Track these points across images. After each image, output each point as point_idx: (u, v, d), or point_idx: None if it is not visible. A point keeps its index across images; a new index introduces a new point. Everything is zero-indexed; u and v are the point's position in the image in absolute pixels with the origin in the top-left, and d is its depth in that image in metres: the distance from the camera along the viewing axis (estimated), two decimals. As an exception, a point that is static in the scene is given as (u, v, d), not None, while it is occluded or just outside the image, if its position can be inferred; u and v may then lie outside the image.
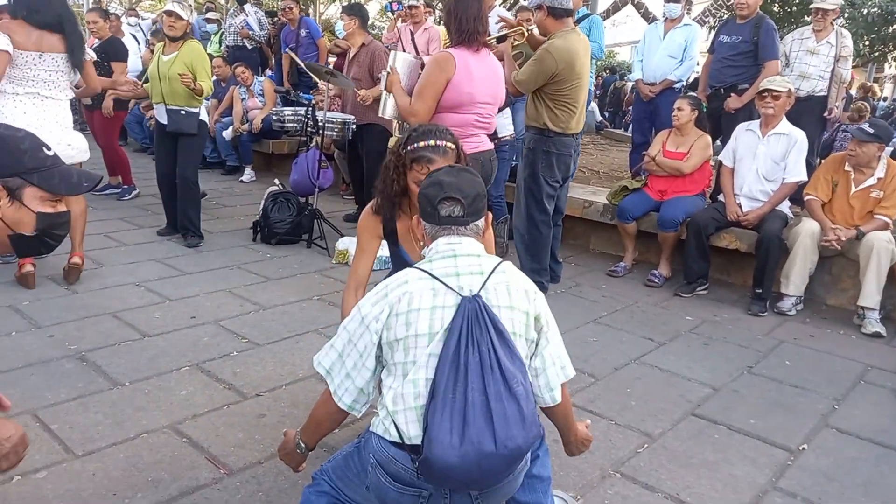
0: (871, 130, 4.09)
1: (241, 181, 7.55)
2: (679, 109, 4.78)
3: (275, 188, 5.49)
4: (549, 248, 4.34)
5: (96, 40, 5.92)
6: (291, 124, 5.83)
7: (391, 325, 1.62)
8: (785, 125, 4.46)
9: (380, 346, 1.66)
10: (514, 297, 1.68)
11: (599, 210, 5.30)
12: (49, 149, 1.62)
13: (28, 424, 2.61)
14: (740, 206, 4.54)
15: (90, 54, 4.06)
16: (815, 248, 4.28)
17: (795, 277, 4.29)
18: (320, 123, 5.38)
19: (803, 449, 2.77)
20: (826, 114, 5.98)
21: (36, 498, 2.20)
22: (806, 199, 4.39)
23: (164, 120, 4.98)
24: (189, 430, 2.66)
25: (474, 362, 1.55)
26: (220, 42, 9.20)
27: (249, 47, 8.69)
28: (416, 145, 2.18)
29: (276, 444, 2.56)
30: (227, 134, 7.61)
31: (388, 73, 3.60)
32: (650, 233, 4.98)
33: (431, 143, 2.18)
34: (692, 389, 3.24)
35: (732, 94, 5.15)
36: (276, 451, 1.90)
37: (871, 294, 4.04)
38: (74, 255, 4.12)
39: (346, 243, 4.93)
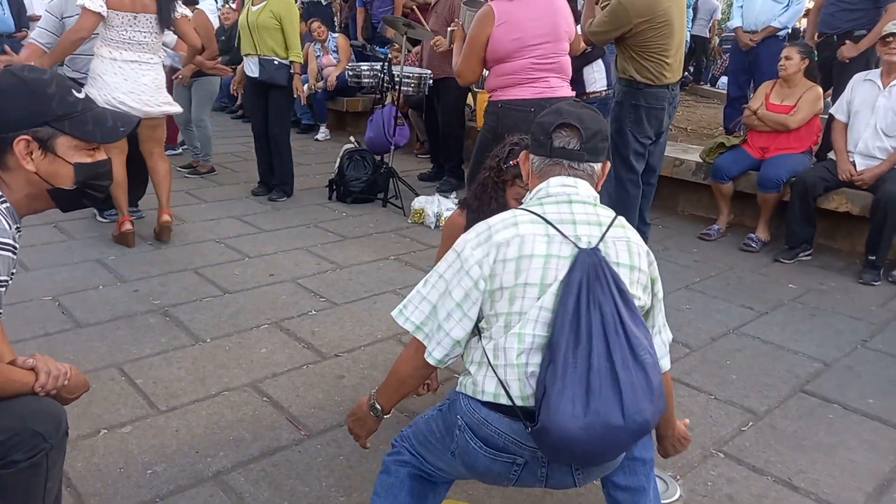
0: None
1: (316, 139, 7.52)
2: (787, 58, 4.36)
3: (350, 146, 5.40)
4: (636, 209, 4.06)
5: None
6: (368, 80, 5.69)
7: (497, 272, 1.44)
8: (910, 74, 4.00)
9: (482, 294, 1.47)
10: (635, 257, 1.49)
11: (691, 169, 4.95)
12: (79, 90, 1.48)
13: (114, 378, 2.63)
14: (854, 165, 4.13)
15: (181, 10, 4.00)
16: (939, 211, 3.85)
17: (915, 244, 3.88)
18: (396, 78, 5.22)
19: (933, 434, 2.48)
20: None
21: (121, 452, 2.20)
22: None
23: (254, 73, 4.93)
24: (269, 388, 2.62)
25: (597, 324, 1.37)
26: (295, -2, 9.11)
27: (324, 2, 8.58)
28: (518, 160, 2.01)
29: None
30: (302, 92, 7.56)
31: (453, 30, 3.41)
32: (747, 193, 4.62)
33: None
34: (800, 364, 2.97)
35: (847, 42, 4.65)
36: (348, 423, 1.75)
37: None
38: (164, 213, 4.13)
39: (423, 202, 4.80)
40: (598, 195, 1.57)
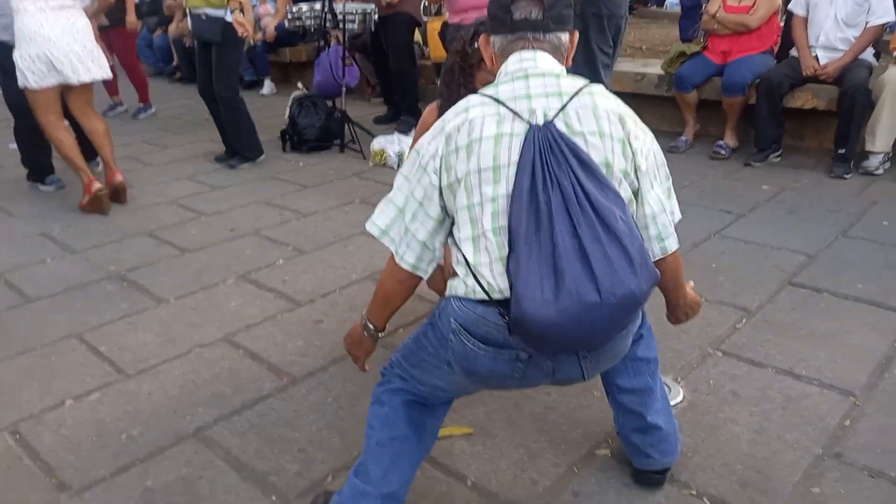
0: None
1: (262, 95, 7.17)
2: (744, -48, 4.22)
3: (299, 92, 5.13)
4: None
5: None
6: (311, 22, 5.37)
7: (451, 163, 1.35)
8: (868, -42, 3.90)
9: (440, 189, 1.38)
10: (604, 122, 1.34)
11: (654, 82, 4.83)
12: None
13: (75, 348, 2.44)
14: (817, 59, 4.05)
15: None
16: (904, 97, 3.81)
17: (883, 132, 3.85)
18: (339, 17, 4.94)
19: (925, 310, 2.46)
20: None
21: (92, 421, 2.04)
22: None
23: (191, 27, 4.52)
24: (245, 341, 2.47)
25: (557, 201, 1.25)
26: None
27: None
28: None
29: (340, 348, 2.36)
30: (242, 46, 7.17)
31: None
32: (711, 101, 4.53)
33: None
34: (785, 258, 2.93)
35: (799, -66, 4.52)
36: (345, 345, 1.65)
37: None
38: (115, 173, 3.85)
39: (382, 143, 4.61)
40: (563, 67, 1.41)
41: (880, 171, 3.90)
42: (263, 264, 3.10)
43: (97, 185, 3.72)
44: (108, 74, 3.85)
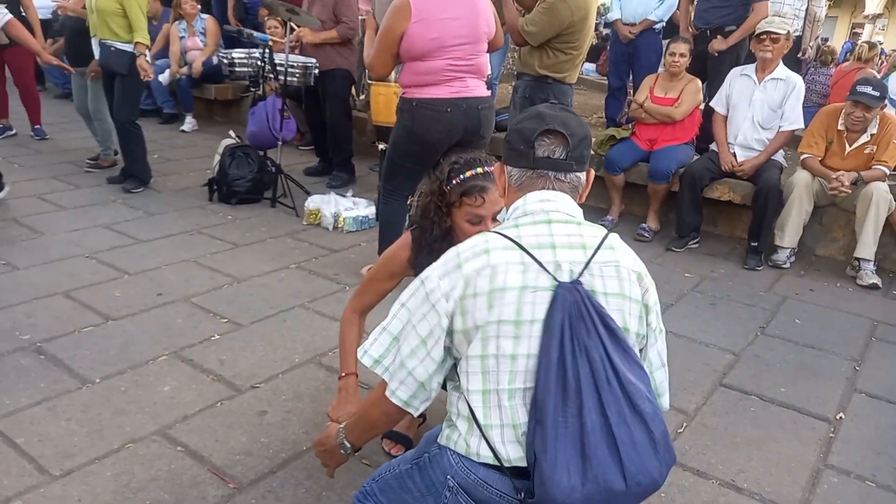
0: (877, 93, 3.89)
1: (183, 131, 6.89)
2: (680, 55, 4.51)
3: (231, 141, 4.97)
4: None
5: None
6: (243, 68, 5.24)
7: (468, 308, 1.28)
8: (782, 70, 4.27)
9: (450, 332, 1.32)
10: (626, 283, 1.33)
11: (584, 160, 5.03)
12: None
13: (-13, 441, 2.20)
14: (734, 156, 4.37)
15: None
16: (810, 198, 4.17)
17: (790, 229, 4.19)
18: (279, 68, 4.85)
19: (841, 418, 2.66)
20: (800, 54, 5.87)
21: (13, 538, 1.84)
22: (802, 157, 4.24)
23: (98, 55, 4.71)
24: (182, 435, 2.31)
25: (586, 373, 1.23)
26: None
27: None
28: (462, 177, 1.86)
29: (286, 447, 2.29)
30: (164, 78, 6.89)
31: (364, 18, 3.19)
32: (637, 184, 4.78)
33: (479, 170, 1.86)
34: (714, 356, 3.10)
35: (718, 36, 4.90)
36: (315, 451, 1.62)
37: (867, 245, 3.98)
38: None
39: (318, 202, 4.52)
40: (580, 210, 1.42)
41: (787, 264, 4.23)
42: (197, 339, 2.93)
43: None
44: None
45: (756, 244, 4.23)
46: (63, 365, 2.66)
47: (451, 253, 1.37)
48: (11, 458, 2.14)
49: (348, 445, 1.54)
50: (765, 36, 4.20)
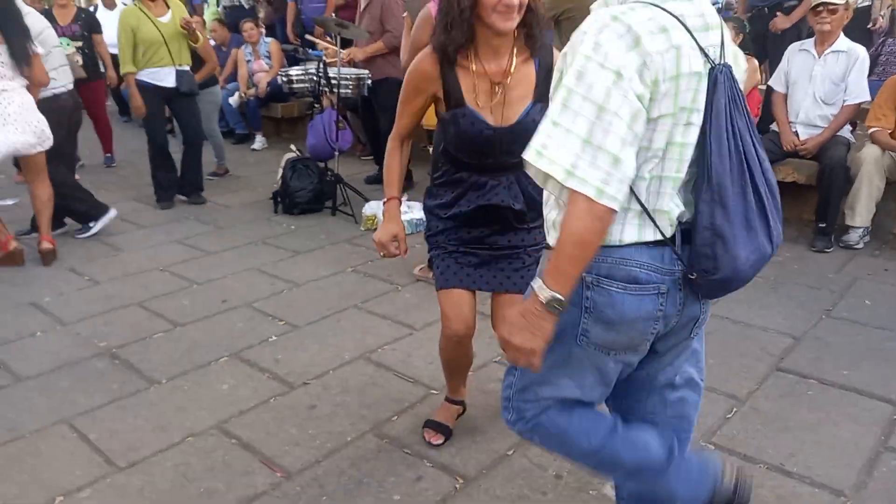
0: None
1: (253, 149, 7.24)
2: (726, 35, 4.38)
3: (292, 155, 5.19)
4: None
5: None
6: (301, 84, 5.47)
7: (658, 94, 1.22)
8: (843, 41, 4.07)
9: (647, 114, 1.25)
10: (741, 61, 1.40)
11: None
12: None
13: (65, 436, 2.42)
14: (797, 135, 4.19)
15: (36, 48, 3.81)
16: (881, 174, 3.94)
17: (862, 208, 3.97)
18: (333, 81, 5.04)
19: (908, 400, 2.52)
20: (870, 25, 5.56)
21: (83, 522, 2.02)
22: (870, 132, 4.02)
23: (172, 83, 4.97)
24: (237, 428, 2.46)
25: (750, 154, 1.30)
26: (218, 3, 8.73)
27: (247, 6, 8.25)
28: None
29: (332, 438, 2.38)
30: (234, 100, 7.26)
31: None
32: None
33: None
34: (771, 340, 2.99)
35: (778, 13, 4.72)
36: (512, 343, 1.32)
37: (949, 220, 3.72)
38: (43, 239, 4.06)
39: (374, 208, 4.66)
40: None
41: (860, 245, 4.01)
42: (256, 341, 3.10)
43: (14, 244, 3.98)
44: (50, 144, 3.93)
45: (824, 225, 4.03)
46: (134, 368, 2.88)
47: (615, 24, 1.21)
48: (84, 451, 2.34)
49: (562, 298, 1.25)
50: (822, 8, 4.01)
